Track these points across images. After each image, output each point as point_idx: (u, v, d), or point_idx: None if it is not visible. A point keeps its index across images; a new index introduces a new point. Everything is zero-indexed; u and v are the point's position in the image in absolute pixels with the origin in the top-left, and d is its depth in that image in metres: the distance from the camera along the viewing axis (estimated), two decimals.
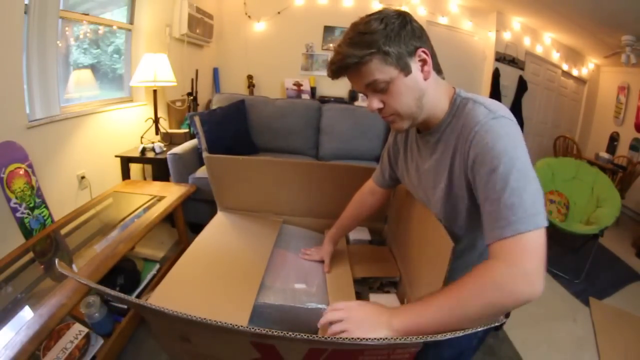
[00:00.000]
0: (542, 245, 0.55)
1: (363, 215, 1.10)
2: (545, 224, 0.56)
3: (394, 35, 0.66)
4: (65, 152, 1.90)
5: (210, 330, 0.62)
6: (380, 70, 0.67)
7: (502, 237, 0.57)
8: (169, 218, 1.91)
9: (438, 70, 0.74)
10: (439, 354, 0.78)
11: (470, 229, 0.77)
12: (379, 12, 0.69)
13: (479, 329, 0.53)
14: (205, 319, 0.49)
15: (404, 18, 0.68)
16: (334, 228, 1.11)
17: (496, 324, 0.54)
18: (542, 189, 0.61)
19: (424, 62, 0.70)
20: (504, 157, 0.59)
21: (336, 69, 0.70)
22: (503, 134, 0.62)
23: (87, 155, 2.04)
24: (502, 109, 0.67)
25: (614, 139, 4.23)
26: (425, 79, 0.71)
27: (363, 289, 1.02)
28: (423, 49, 0.69)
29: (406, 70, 0.68)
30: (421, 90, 0.71)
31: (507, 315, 1.68)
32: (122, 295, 0.52)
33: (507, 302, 0.53)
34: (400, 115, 0.72)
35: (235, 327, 0.48)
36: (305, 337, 0.47)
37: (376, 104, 0.72)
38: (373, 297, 0.95)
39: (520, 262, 0.54)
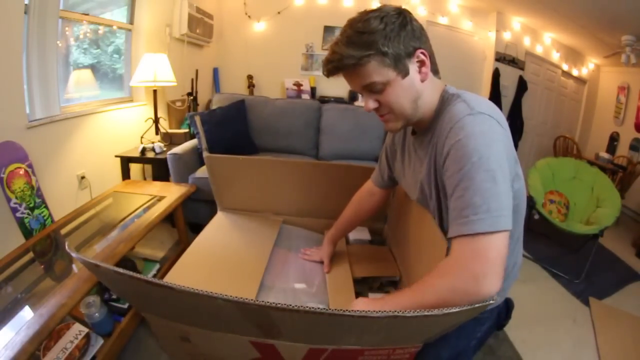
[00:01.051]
0: (500, 247, 0.55)
1: (362, 216, 1.09)
2: (508, 227, 0.56)
3: (394, 36, 0.65)
4: (65, 152, 1.90)
5: (211, 326, 0.62)
6: (378, 72, 0.66)
7: (460, 234, 0.57)
8: (169, 218, 1.90)
9: (435, 70, 0.73)
10: (437, 354, 0.78)
11: None
12: (379, 10, 0.67)
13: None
14: (211, 292, 0.49)
15: (404, 17, 0.67)
16: (333, 229, 1.11)
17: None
18: (510, 191, 0.60)
19: (422, 63, 0.69)
20: (474, 156, 0.59)
21: (332, 69, 0.68)
22: (477, 131, 0.61)
23: (87, 155, 2.04)
24: (483, 105, 0.66)
25: (614, 139, 4.23)
26: (422, 81, 0.70)
27: (363, 288, 1.02)
28: (422, 50, 0.68)
29: (404, 72, 0.67)
30: (417, 92, 0.70)
31: (508, 316, 1.67)
32: (130, 273, 0.52)
33: (460, 301, 0.53)
34: (395, 115, 0.72)
35: (241, 300, 0.48)
36: (302, 308, 0.47)
37: (372, 104, 0.71)
38: (372, 296, 0.95)
39: (472, 264, 0.55)
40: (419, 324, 0.55)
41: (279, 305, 0.47)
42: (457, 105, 0.67)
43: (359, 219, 1.10)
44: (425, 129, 0.76)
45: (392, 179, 1.00)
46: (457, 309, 0.49)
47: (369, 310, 0.48)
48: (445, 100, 0.72)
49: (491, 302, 0.51)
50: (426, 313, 0.49)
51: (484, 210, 0.56)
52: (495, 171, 0.58)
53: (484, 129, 0.61)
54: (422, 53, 0.68)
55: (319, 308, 0.48)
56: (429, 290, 0.58)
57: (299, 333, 0.57)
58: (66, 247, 0.59)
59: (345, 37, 0.66)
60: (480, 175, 0.58)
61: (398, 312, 0.48)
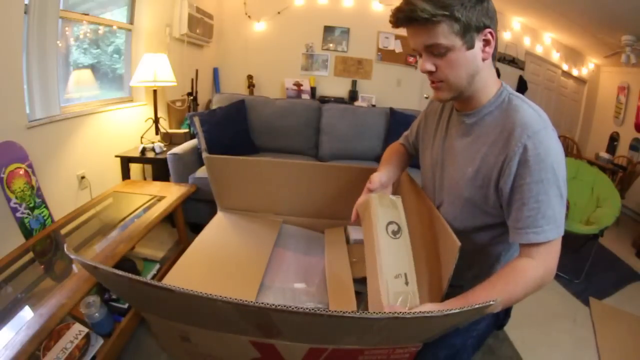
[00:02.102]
0: (559, 248, 0.71)
1: (405, 161, 1.09)
2: (563, 232, 0.69)
3: (470, 6, 0.65)
4: (65, 152, 1.90)
5: (212, 326, 0.62)
6: (445, 36, 0.66)
7: (535, 242, 0.68)
8: (169, 218, 1.90)
9: (494, 57, 0.75)
10: (435, 354, 0.78)
11: (473, 221, 0.80)
12: None
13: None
14: (212, 295, 0.48)
15: None
16: (385, 172, 0.97)
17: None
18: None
19: (487, 42, 0.70)
20: (551, 172, 0.66)
21: (403, 18, 0.68)
22: (553, 148, 0.67)
23: (87, 155, 2.04)
24: (547, 117, 0.71)
25: (614, 139, 4.23)
26: (483, 60, 0.71)
27: (363, 288, 1.02)
28: (490, 30, 0.69)
29: (469, 44, 0.68)
30: (477, 68, 0.71)
31: (508, 315, 1.67)
32: (129, 275, 0.51)
33: (537, 290, 0.69)
34: (449, 84, 0.72)
35: (242, 301, 0.48)
36: (302, 310, 0.47)
37: (429, 66, 0.71)
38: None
39: (550, 262, 0.69)
40: (419, 325, 0.55)
41: (278, 306, 0.47)
42: (526, 111, 0.70)
43: (404, 162, 1.08)
44: (473, 112, 0.78)
45: (415, 148, 1.05)
46: (457, 310, 0.49)
47: (367, 312, 0.48)
48: (505, 97, 0.75)
49: (491, 303, 0.51)
50: (427, 315, 0.49)
51: (553, 221, 0.67)
52: (564, 187, 0.69)
53: (557, 146, 0.69)
54: (490, 33, 0.69)
55: (318, 309, 0.48)
56: (520, 285, 0.66)
57: (299, 333, 0.57)
58: (65, 248, 0.59)
59: None
60: (554, 190, 0.67)
61: (398, 314, 0.49)
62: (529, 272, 0.68)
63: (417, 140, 1.02)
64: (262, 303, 0.48)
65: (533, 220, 0.67)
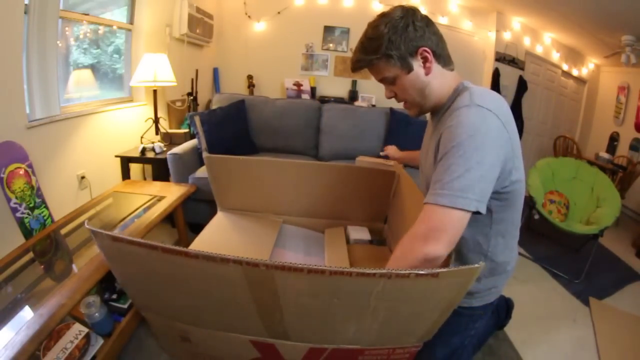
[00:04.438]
0: (453, 222, 0.65)
1: None
2: (468, 208, 0.65)
3: (396, 38, 0.76)
4: (65, 152, 1.90)
5: (212, 325, 0.62)
6: (387, 69, 0.79)
7: (427, 202, 0.68)
8: (169, 218, 1.90)
9: (445, 62, 0.82)
10: (433, 353, 0.79)
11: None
12: (387, 15, 0.78)
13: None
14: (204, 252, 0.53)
15: (407, 19, 0.76)
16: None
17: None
18: (488, 179, 0.68)
19: (425, 59, 0.78)
20: (454, 141, 0.68)
21: (353, 68, 0.84)
22: (466, 122, 0.69)
23: (87, 155, 2.04)
24: (486, 99, 0.73)
25: (614, 139, 4.22)
26: (427, 74, 0.80)
27: None
28: (424, 48, 0.77)
29: (408, 69, 0.78)
30: (423, 84, 0.80)
31: (509, 316, 1.68)
32: (148, 242, 0.56)
33: (414, 260, 0.64)
34: (410, 103, 0.85)
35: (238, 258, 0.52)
36: (305, 266, 0.50)
37: (389, 93, 0.86)
38: None
39: (424, 227, 0.65)
40: (414, 293, 0.57)
41: (284, 264, 0.50)
42: (464, 96, 0.76)
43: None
44: (437, 113, 0.87)
45: None
46: (445, 270, 0.52)
47: (366, 268, 0.52)
48: (457, 92, 0.81)
49: (476, 266, 0.54)
50: (417, 272, 0.52)
51: (448, 187, 0.66)
52: (470, 159, 0.66)
53: (475, 120, 0.69)
54: (424, 50, 0.77)
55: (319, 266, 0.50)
56: (405, 247, 0.67)
57: (299, 311, 0.57)
58: (85, 224, 0.61)
59: (360, 43, 0.81)
60: (455, 159, 0.67)
61: (392, 270, 0.52)
62: (411, 230, 0.67)
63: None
64: (269, 261, 0.52)
65: (432, 184, 0.69)
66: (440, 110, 0.84)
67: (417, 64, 0.78)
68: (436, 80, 0.81)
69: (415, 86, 0.80)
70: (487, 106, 0.71)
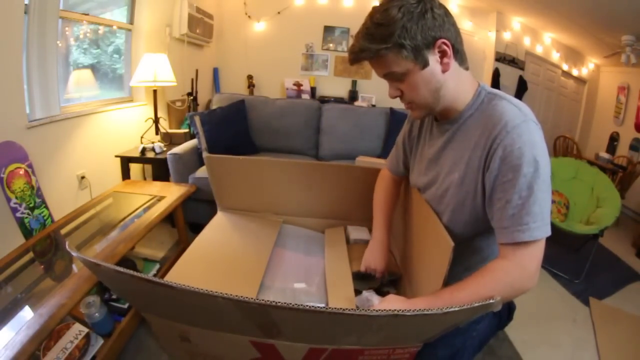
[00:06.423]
0: (543, 249, 0.64)
1: (393, 206, 1.05)
2: (549, 234, 0.63)
3: (411, 26, 0.63)
4: (65, 152, 1.90)
5: (212, 326, 0.62)
6: (397, 63, 0.66)
7: (518, 241, 0.62)
8: (169, 218, 1.90)
9: (462, 60, 0.72)
10: (435, 354, 0.78)
11: (471, 228, 0.77)
12: None
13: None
14: (215, 291, 0.49)
15: (425, 5, 0.65)
16: (380, 231, 1.01)
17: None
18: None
19: (443, 53, 0.67)
20: (533, 165, 0.62)
21: (353, 59, 0.69)
22: (534, 140, 0.63)
23: (87, 155, 2.04)
24: (530, 112, 0.68)
25: (614, 139, 4.23)
26: (444, 72, 0.69)
27: (362, 285, 1.02)
28: (443, 40, 0.66)
29: (423, 64, 0.66)
30: (438, 83, 0.69)
31: (510, 318, 1.67)
32: (131, 272, 0.52)
33: (513, 296, 0.65)
34: (417, 104, 0.73)
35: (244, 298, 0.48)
36: (302, 307, 0.47)
37: (394, 92, 0.73)
38: (366, 293, 0.94)
39: (529, 264, 0.63)
40: (419, 324, 0.55)
41: (278, 303, 0.47)
42: (505, 106, 0.67)
43: (392, 210, 1.06)
44: (453, 119, 0.76)
45: (407, 167, 1.00)
46: (457, 308, 0.49)
47: (367, 310, 0.48)
48: (484, 97, 0.72)
49: (491, 302, 0.51)
50: (426, 312, 0.49)
51: (541, 218, 0.62)
52: (548, 181, 0.63)
53: (538, 139, 0.64)
54: (443, 43, 0.66)
55: (318, 307, 0.48)
56: (489, 287, 0.61)
57: (299, 332, 0.57)
58: (66, 246, 0.59)
59: (365, 29, 0.66)
60: (538, 185, 0.62)
61: (398, 311, 0.49)
62: (498, 273, 0.63)
63: (407, 158, 0.99)
64: (263, 300, 0.48)
65: (518, 217, 0.62)
66: (458, 116, 0.74)
67: (433, 59, 0.66)
68: (452, 80, 0.70)
69: (429, 85, 0.68)
70: (535, 120, 0.66)
